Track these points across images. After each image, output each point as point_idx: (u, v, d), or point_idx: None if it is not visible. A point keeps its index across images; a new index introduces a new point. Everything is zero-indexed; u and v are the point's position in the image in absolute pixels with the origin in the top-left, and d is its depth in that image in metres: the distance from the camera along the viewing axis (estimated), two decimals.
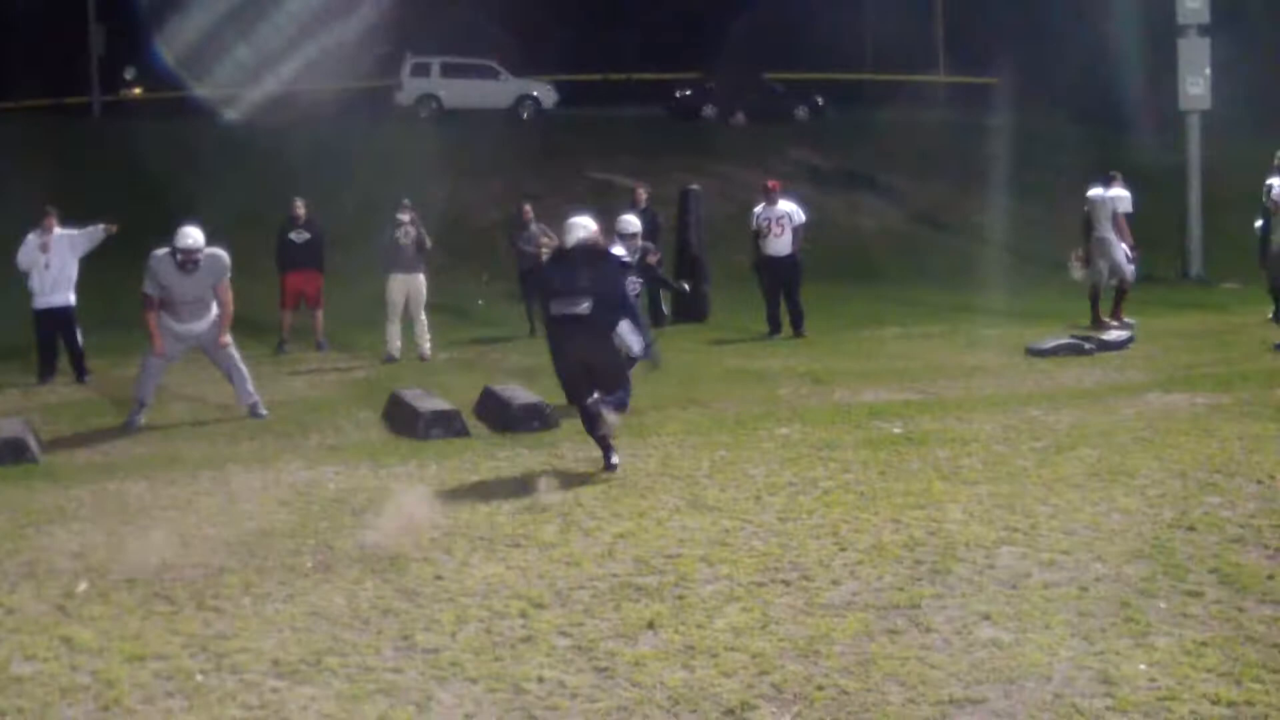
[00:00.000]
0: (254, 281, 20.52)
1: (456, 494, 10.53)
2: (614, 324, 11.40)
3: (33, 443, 12.65)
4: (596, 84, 48.43)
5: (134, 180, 30.22)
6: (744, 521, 9.36)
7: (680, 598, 7.65)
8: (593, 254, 11.59)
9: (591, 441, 11.65)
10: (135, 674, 6.66)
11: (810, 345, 19.94)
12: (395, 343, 19.60)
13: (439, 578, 8.21)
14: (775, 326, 21.29)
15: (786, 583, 7.89)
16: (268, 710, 6.17)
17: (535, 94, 43.99)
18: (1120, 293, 20.83)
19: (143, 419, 14.18)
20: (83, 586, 8.22)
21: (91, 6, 44.06)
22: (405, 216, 19.70)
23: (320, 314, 21.37)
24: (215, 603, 7.81)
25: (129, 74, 49.98)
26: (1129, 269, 20.60)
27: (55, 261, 17.92)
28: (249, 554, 8.87)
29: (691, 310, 23.24)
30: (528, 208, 23.56)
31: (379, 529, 9.27)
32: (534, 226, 22.97)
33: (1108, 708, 5.86)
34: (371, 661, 6.76)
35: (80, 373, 18.19)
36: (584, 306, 11.21)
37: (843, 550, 8.53)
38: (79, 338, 18.23)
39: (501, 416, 13.56)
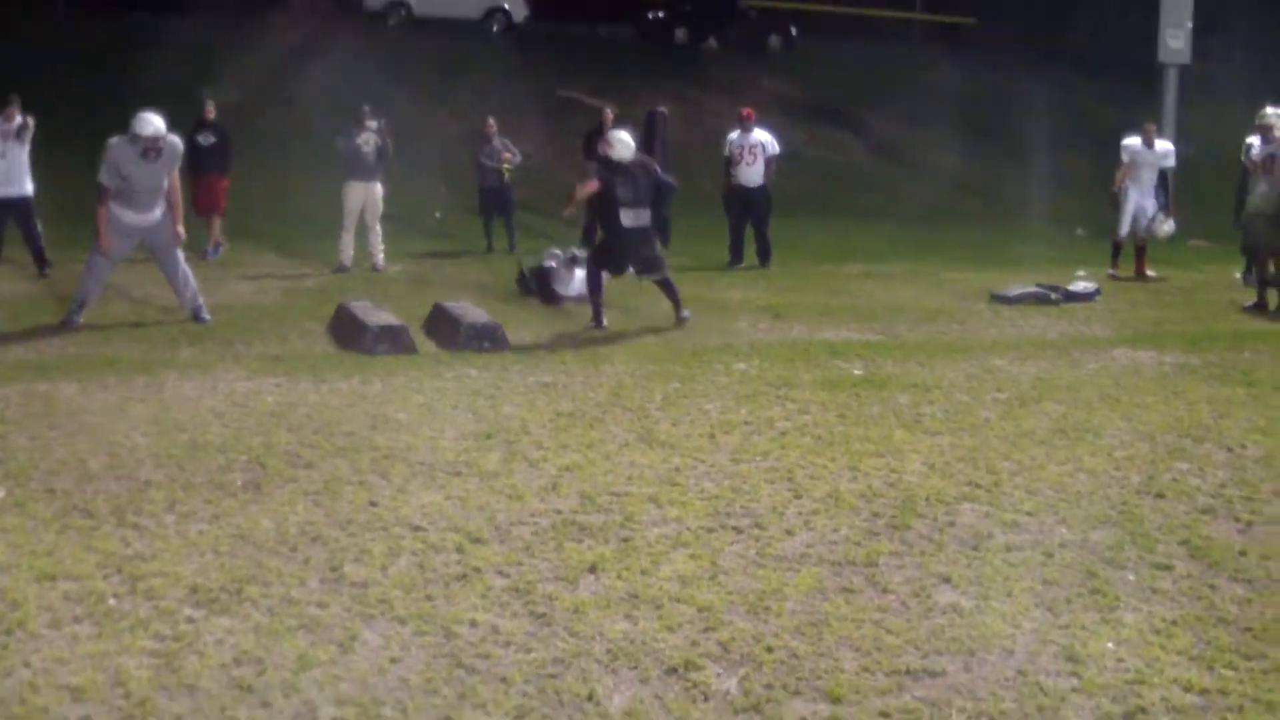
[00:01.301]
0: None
1: (399, 414, 10.14)
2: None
3: None
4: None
5: (93, 73, 29.72)
6: (695, 460, 9.01)
7: (625, 540, 7.29)
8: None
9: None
10: (44, 595, 6.27)
11: (770, 278, 19.59)
12: (348, 252, 19.18)
13: (373, 504, 7.84)
14: (737, 256, 20.97)
15: (738, 530, 7.54)
16: (181, 643, 5.78)
17: (506, 6, 43.16)
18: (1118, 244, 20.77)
19: (82, 318, 13.76)
20: None
21: None
22: (372, 124, 19.27)
23: (218, 220, 20.79)
24: (136, 519, 7.41)
25: None
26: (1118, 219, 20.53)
27: (14, 151, 17.57)
28: (177, 468, 8.48)
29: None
30: (491, 122, 23.06)
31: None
32: (497, 141, 22.57)
33: (1073, 689, 5.52)
34: (295, 593, 6.38)
35: (41, 265, 17.84)
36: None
37: (797, 497, 8.19)
38: (38, 228, 17.85)
39: (451, 335, 13.18)
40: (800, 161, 29.79)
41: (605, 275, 14.83)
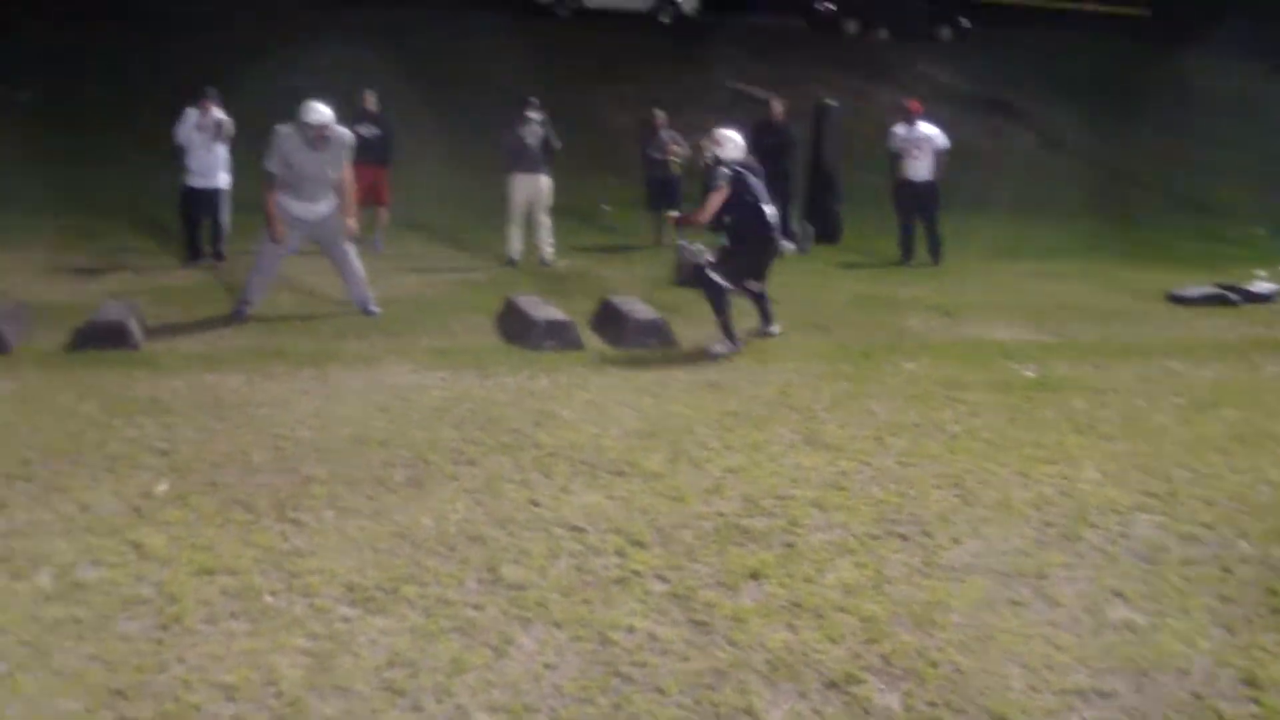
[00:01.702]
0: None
1: (563, 411, 10.07)
2: None
3: (135, 328, 12.33)
4: None
5: (250, 60, 30.07)
6: (862, 463, 8.83)
7: (789, 545, 7.15)
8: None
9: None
10: (202, 589, 6.27)
11: (940, 275, 19.28)
12: (516, 245, 19.16)
13: (535, 503, 7.77)
14: (908, 253, 20.66)
15: (904, 537, 7.36)
16: (335, 642, 5.74)
17: None
18: None
19: (250, 310, 13.87)
20: (163, 487, 7.86)
21: None
22: (535, 115, 19.23)
23: (385, 212, 20.69)
24: (296, 515, 7.40)
25: None
26: None
27: (210, 145, 18.06)
28: (339, 462, 8.47)
29: (823, 231, 22.66)
30: (659, 114, 22.95)
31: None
32: (664, 134, 22.42)
33: (1252, 715, 5.29)
34: (452, 594, 6.31)
35: (217, 255, 18.15)
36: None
37: (966, 505, 7.99)
38: (225, 219, 18.18)
39: (618, 331, 13.10)
40: (969, 155, 29.33)
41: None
